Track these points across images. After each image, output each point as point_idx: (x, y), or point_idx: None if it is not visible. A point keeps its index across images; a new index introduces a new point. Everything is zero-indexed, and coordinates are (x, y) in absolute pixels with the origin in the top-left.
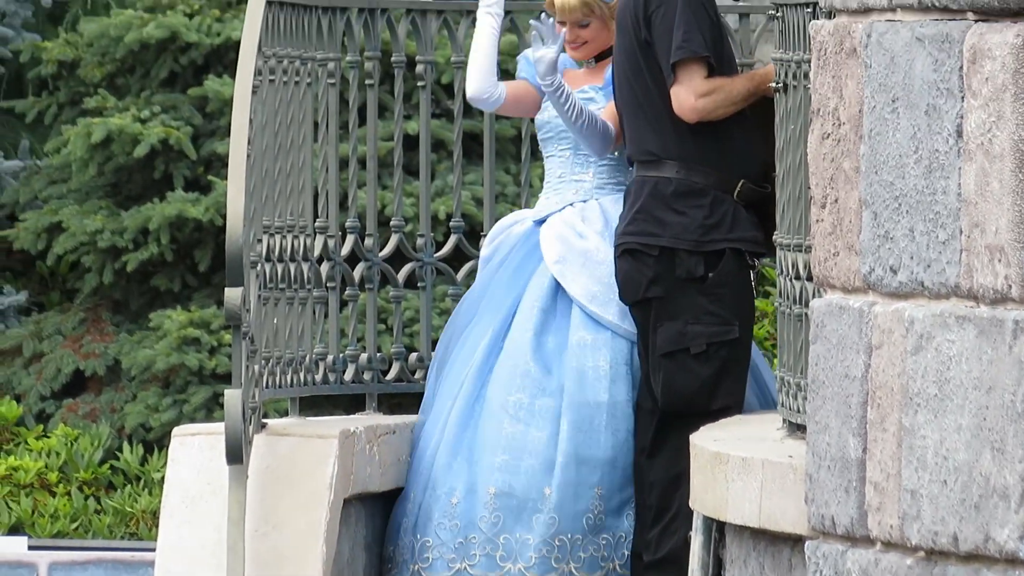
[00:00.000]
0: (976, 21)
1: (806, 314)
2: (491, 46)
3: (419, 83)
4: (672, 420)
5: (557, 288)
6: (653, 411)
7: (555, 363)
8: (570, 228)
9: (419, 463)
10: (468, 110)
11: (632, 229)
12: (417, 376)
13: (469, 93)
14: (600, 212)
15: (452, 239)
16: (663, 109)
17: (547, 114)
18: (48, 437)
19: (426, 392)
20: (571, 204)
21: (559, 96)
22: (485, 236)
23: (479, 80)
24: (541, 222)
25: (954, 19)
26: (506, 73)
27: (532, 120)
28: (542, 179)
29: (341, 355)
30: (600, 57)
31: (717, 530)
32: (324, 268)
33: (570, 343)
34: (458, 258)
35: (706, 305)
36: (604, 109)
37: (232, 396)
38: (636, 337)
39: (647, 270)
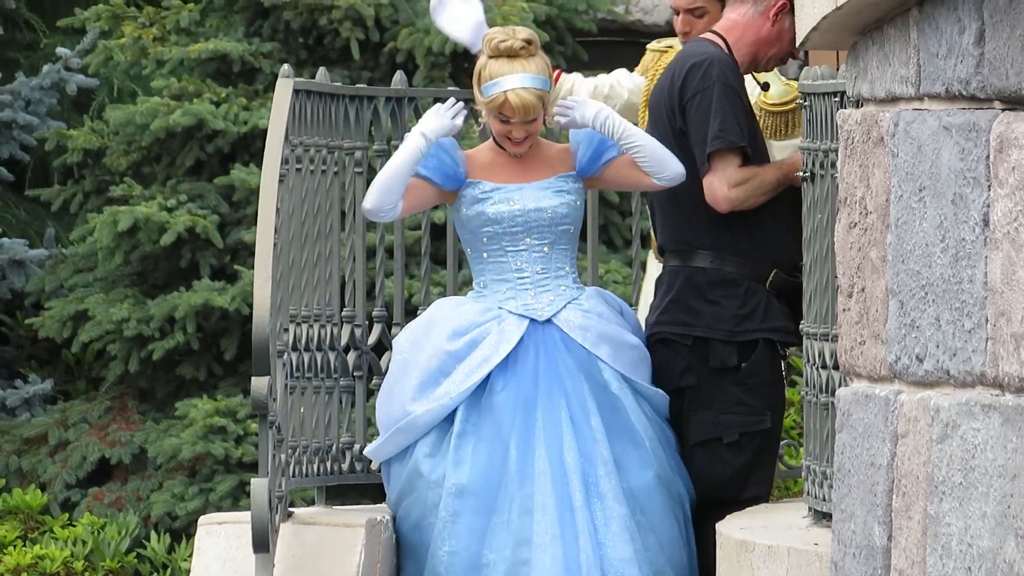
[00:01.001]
0: (1003, 110)
1: (832, 403)
2: (409, 166)
3: None
4: (704, 510)
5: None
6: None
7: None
8: (602, 323)
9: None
10: None
11: (666, 319)
12: None
13: (365, 205)
14: (609, 308)
15: None
16: (697, 199)
17: (506, 207)
18: (74, 526)
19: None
20: (569, 303)
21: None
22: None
23: (380, 197)
24: (543, 322)
25: (981, 108)
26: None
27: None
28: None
29: (368, 444)
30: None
31: None
32: (351, 357)
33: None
34: None
35: (739, 395)
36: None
37: (259, 485)
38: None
39: (680, 360)
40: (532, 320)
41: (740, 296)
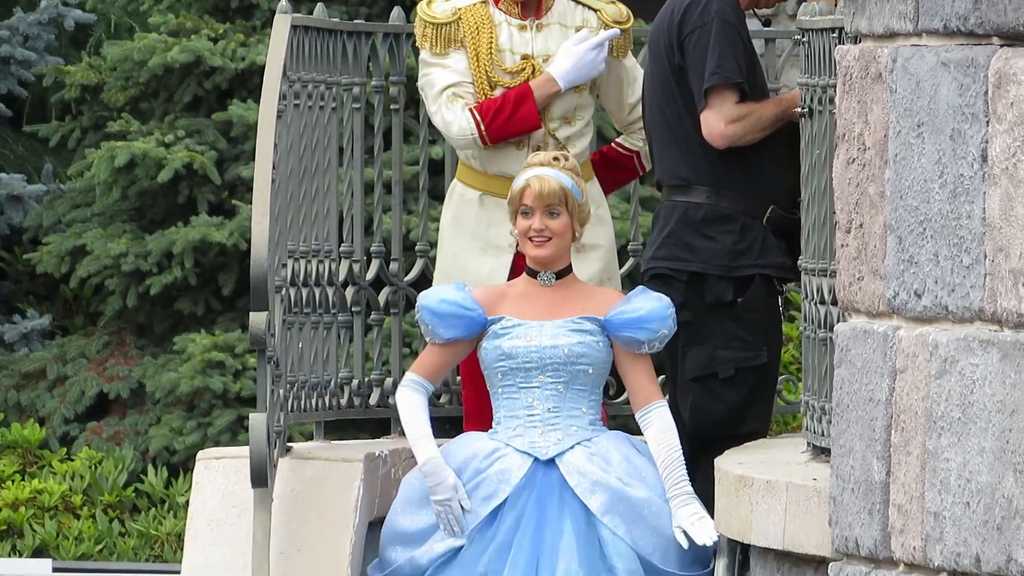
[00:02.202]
0: (1002, 46)
1: (831, 338)
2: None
3: None
4: (701, 446)
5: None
6: (681, 437)
7: None
8: (603, 471)
9: None
10: None
11: (662, 254)
12: (442, 400)
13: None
14: (623, 455)
15: None
16: (694, 134)
17: (522, 342)
18: (72, 460)
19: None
20: (579, 443)
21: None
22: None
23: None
24: (545, 460)
25: (979, 44)
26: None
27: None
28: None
29: (366, 379)
30: (560, 274)
31: (741, 552)
32: (349, 292)
33: None
34: None
35: (735, 331)
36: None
37: (257, 420)
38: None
39: (676, 295)
40: (535, 459)
41: (736, 232)
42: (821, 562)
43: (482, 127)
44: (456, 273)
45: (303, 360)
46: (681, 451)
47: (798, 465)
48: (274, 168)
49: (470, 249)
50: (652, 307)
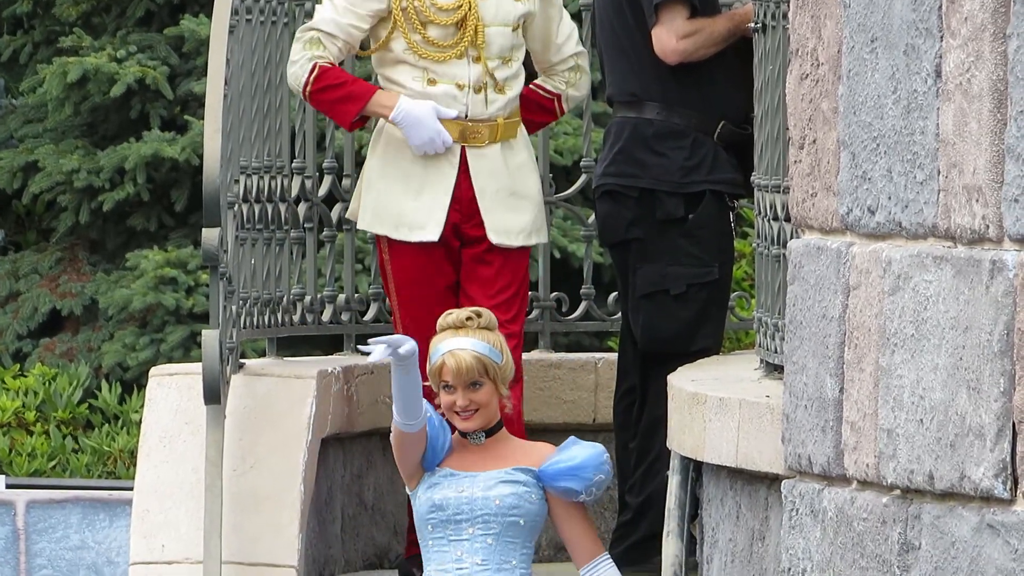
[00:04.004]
0: None
1: (784, 255)
2: (403, 381)
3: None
4: (653, 363)
5: None
6: (634, 354)
7: None
8: None
9: None
10: None
11: (612, 170)
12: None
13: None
14: None
15: None
16: (644, 50)
17: (453, 493)
18: (25, 376)
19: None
20: None
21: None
22: None
23: (403, 415)
24: None
25: None
26: None
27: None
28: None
29: (319, 296)
30: (490, 432)
31: (694, 470)
32: (301, 209)
33: None
34: None
35: (686, 247)
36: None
37: (209, 336)
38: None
39: (627, 212)
40: None
41: (687, 148)
42: (774, 479)
43: (308, 88)
44: (390, 219)
45: (256, 276)
46: None
47: (751, 382)
48: (226, 84)
49: (405, 192)
50: (587, 455)
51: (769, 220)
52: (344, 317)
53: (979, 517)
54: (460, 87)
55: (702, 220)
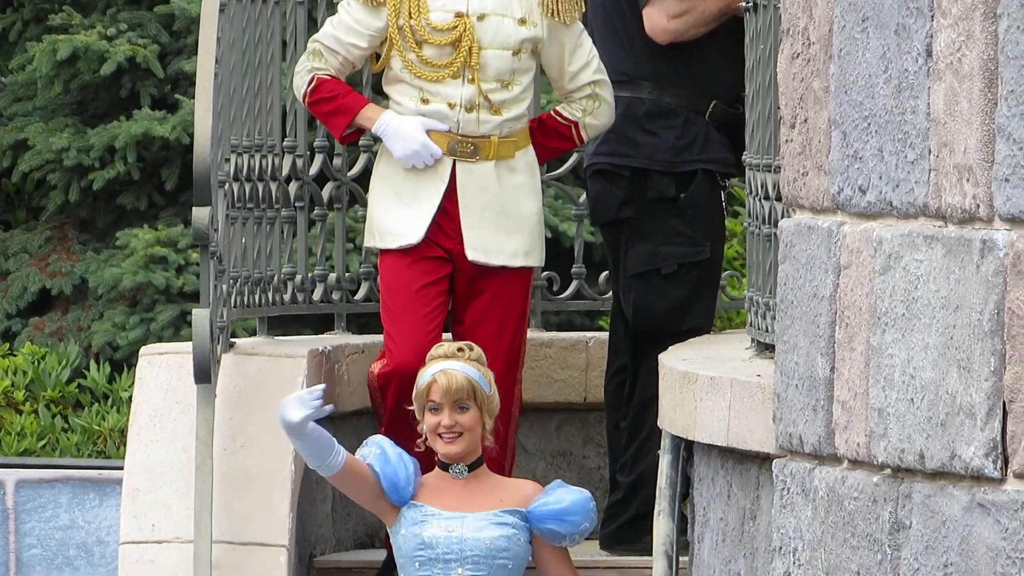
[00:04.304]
0: None
1: (775, 234)
2: (301, 450)
3: None
4: (644, 342)
5: None
6: (626, 333)
7: None
8: None
9: None
10: None
11: (604, 150)
12: None
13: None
14: None
15: None
16: (636, 30)
17: (443, 532)
18: (15, 355)
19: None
20: None
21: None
22: None
23: (309, 461)
24: None
25: None
26: None
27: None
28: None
29: (310, 275)
30: (472, 466)
31: (685, 449)
32: (292, 187)
33: None
34: None
35: (677, 226)
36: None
37: (200, 315)
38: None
39: (619, 191)
40: None
41: (678, 127)
42: (765, 459)
43: (307, 99)
44: (379, 231)
45: (246, 255)
46: None
47: (742, 361)
48: (217, 62)
49: (396, 204)
50: (574, 499)
51: (760, 199)
52: (335, 296)
53: (970, 496)
54: (451, 106)
55: (693, 199)
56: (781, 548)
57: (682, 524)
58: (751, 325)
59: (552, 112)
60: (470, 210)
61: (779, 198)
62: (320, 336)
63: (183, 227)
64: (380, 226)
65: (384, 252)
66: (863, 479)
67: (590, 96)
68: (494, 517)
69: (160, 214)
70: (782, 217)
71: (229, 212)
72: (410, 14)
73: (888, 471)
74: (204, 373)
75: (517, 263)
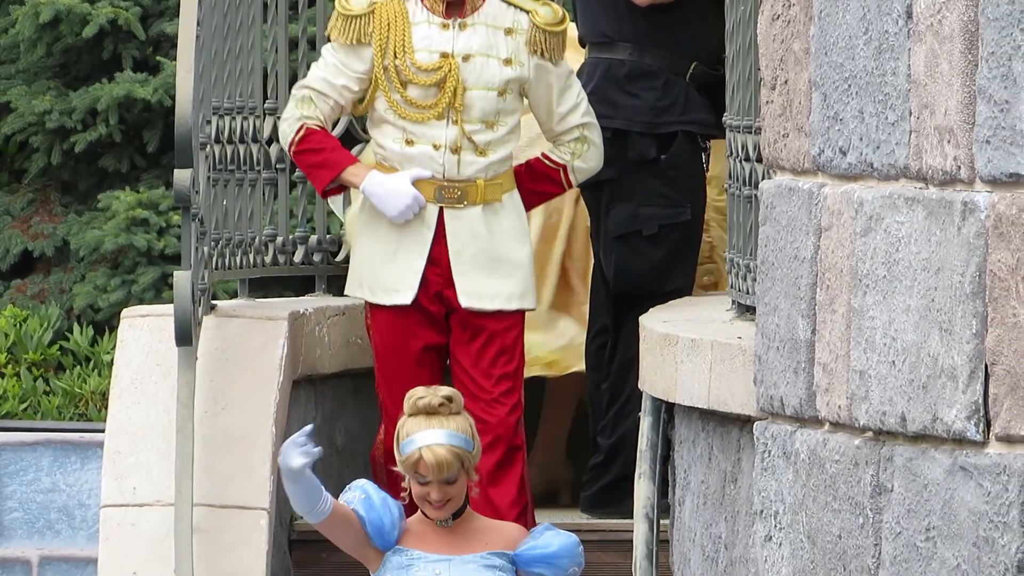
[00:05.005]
0: None
1: (755, 196)
2: (307, 481)
3: None
4: (625, 304)
5: None
6: (607, 295)
7: None
8: None
9: None
10: None
11: None
12: None
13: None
14: None
15: None
16: None
17: (420, 575)
18: None
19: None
20: None
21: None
22: None
23: (300, 509)
24: None
25: None
26: None
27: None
28: None
29: (291, 236)
30: (458, 514)
31: (666, 411)
32: (273, 150)
33: None
34: None
35: (658, 187)
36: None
37: (181, 278)
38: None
39: None
40: None
41: (659, 88)
42: (747, 421)
43: (293, 147)
44: (368, 283)
45: (227, 218)
46: None
47: (723, 323)
48: (199, 25)
49: (383, 255)
50: (562, 543)
51: (741, 161)
52: (316, 258)
53: (951, 459)
54: (436, 147)
55: (674, 160)
56: (762, 511)
57: (663, 487)
58: (732, 287)
59: (540, 156)
60: (461, 257)
61: (759, 160)
62: (301, 298)
63: (164, 189)
64: (367, 279)
65: (373, 306)
66: (844, 442)
67: (579, 139)
68: (482, 560)
69: (142, 176)
70: (763, 179)
71: (211, 174)
72: (395, 54)
73: (870, 434)
74: (185, 336)
75: (512, 306)
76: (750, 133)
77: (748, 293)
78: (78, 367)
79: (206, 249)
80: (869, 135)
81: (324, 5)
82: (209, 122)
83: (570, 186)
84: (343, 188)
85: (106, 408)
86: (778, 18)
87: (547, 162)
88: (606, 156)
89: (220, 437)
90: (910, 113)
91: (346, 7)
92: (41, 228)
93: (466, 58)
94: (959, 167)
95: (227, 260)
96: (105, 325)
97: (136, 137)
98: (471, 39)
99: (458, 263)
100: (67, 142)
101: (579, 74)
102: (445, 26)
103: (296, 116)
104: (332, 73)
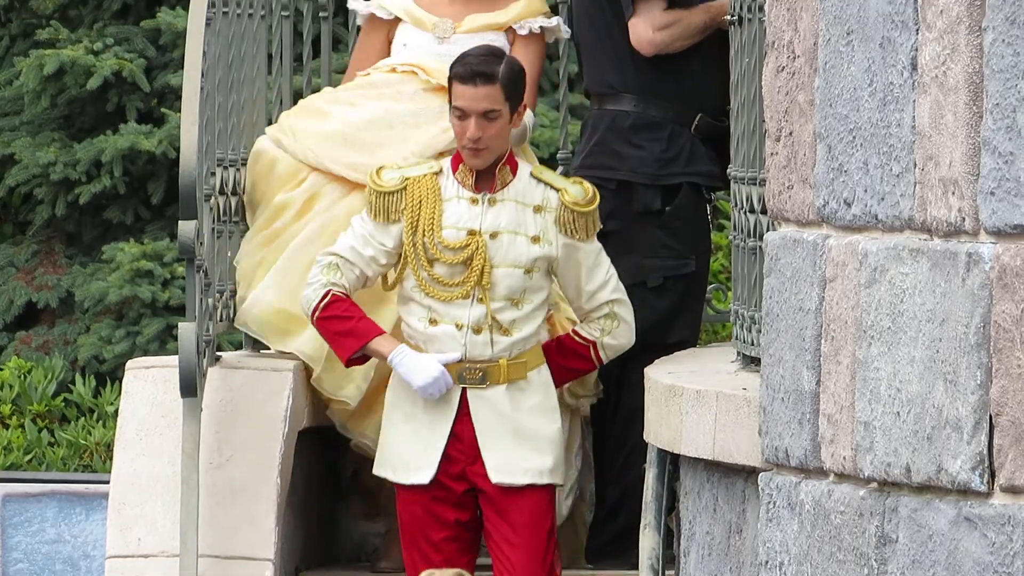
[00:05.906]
0: None
1: (760, 247)
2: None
3: None
4: (630, 355)
5: None
6: None
7: None
8: None
9: None
10: None
11: (589, 162)
12: None
13: None
14: None
15: None
16: (622, 42)
17: None
18: (1, 369)
19: None
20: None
21: None
22: None
23: None
24: None
25: None
26: None
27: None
28: None
29: None
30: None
31: (671, 462)
32: None
33: None
34: None
35: (663, 239)
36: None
37: (186, 329)
38: None
39: (604, 204)
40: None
41: (664, 140)
42: (751, 472)
43: (316, 313)
44: (391, 462)
45: (232, 269)
46: None
47: (728, 375)
48: (203, 76)
49: (407, 434)
50: None
51: (745, 212)
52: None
53: (956, 510)
54: (459, 327)
55: (679, 212)
56: (767, 562)
57: (668, 538)
58: (737, 338)
59: (571, 332)
60: (487, 435)
61: (764, 211)
62: None
63: (169, 241)
64: (391, 458)
65: (398, 485)
66: (849, 493)
67: (608, 315)
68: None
69: (146, 228)
70: (767, 230)
71: (215, 226)
72: (424, 232)
73: (874, 485)
74: (190, 387)
75: (544, 480)
76: (755, 184)
77: (753, 344)
78: (82, 418)
79: (211, 301)
80: (874, 186)
81: (328, 57)
82: (213, 174)
83: (600, 363)
84: (367, 358)
85: (111, 459)
86: (783, 70)
87: (577, 339)
88: (611, 207)
89: (225, 488)
90: (915, 164)
91: (378, 183)
92: (45, 279)
93: (493, 235)
94: (963, 218)
95: (232, 311)
96: (109, 376)
97: (140, 189)
98: (499, 216)
99: (485, 439)
100: (71, 194)
101: (584, 126)
102: (474, 201)
103: (322, 282)
104: (360, 243)
